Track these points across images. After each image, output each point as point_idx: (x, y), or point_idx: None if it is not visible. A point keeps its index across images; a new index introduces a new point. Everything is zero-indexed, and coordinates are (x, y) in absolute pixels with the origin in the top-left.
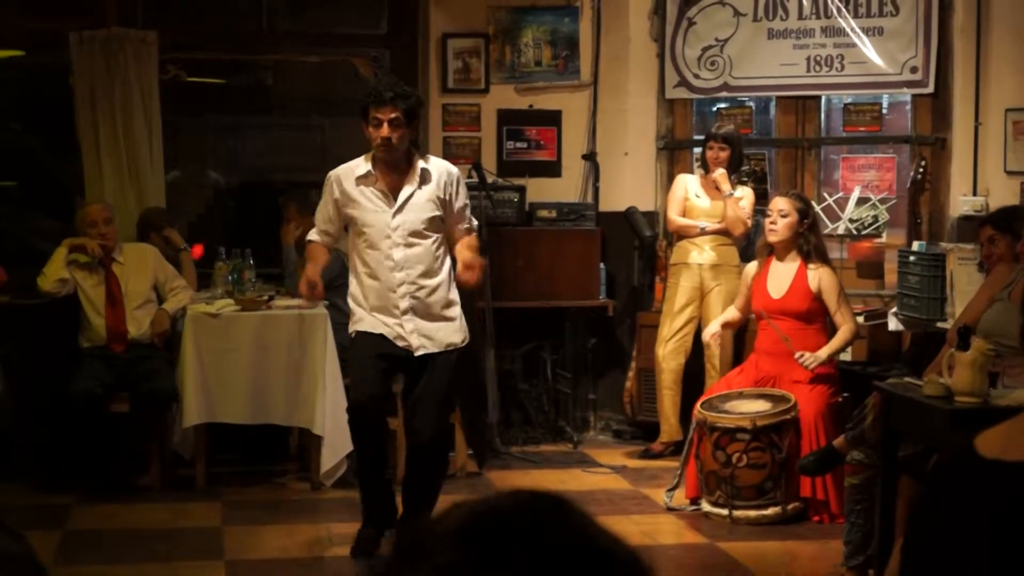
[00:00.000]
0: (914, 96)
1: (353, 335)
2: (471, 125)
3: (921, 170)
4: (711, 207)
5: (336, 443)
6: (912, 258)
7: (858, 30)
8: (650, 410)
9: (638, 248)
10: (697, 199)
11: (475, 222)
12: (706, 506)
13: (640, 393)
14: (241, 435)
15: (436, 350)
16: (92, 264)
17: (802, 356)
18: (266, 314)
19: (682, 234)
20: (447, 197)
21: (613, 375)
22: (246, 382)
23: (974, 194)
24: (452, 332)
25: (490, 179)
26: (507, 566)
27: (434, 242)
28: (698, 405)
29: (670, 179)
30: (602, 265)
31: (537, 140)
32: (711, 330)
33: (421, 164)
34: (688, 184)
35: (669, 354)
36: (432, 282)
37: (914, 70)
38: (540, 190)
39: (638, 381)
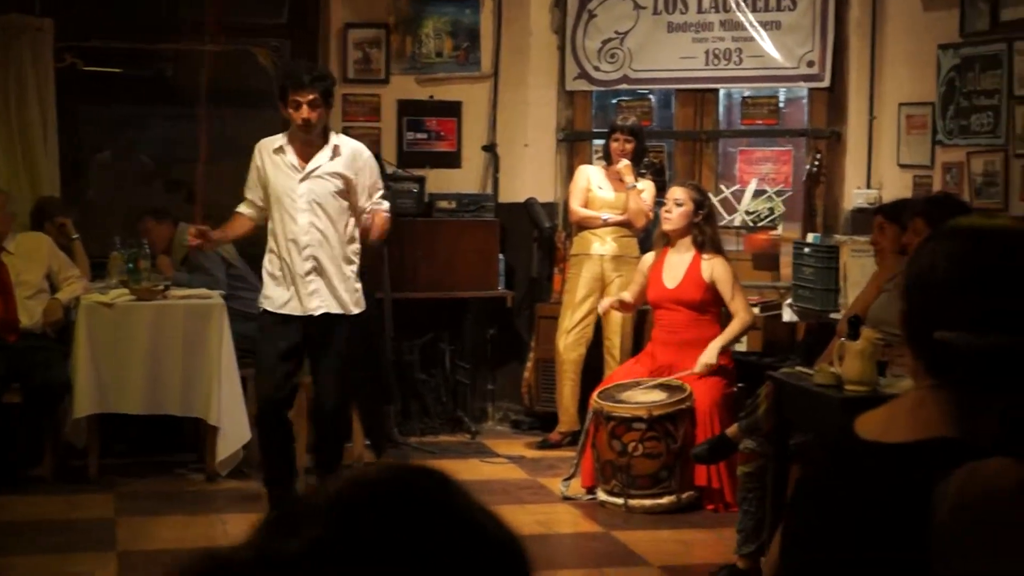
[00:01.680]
0: (810, 90)
1: (260, 313)
2: (371, 115)
3: (816, 163)
4: (614, 199)
5: (231, 433)
6: (807, 250)
7: (756, 24)
8: (548, 400)
9: (537, 239)
10: (600, 190)
11: (386, 204)
12: (602, 495)
13: (538, 384)
14: (135, 426)
15: (335, 311)
16: None
17: (701, 370)
18: (162, 304)
19: (584, 225)
20: (354, 174)
21: (511, 366)
22: (141, 372)
23: (868, 187)
24: (350, 298)
25: (390, 170)
26: (375, 540)
27: (339, 211)
28: (595, 395)
29: (569, 171)
30: (501, 256)
31: (437, 131)
32: (606, 302)
33: (334, 140)
34: (591, 175)
35: (570, 345)
36: (335, 248)
37: (811, 64)
38: (440, 181)
39: (536, 372)
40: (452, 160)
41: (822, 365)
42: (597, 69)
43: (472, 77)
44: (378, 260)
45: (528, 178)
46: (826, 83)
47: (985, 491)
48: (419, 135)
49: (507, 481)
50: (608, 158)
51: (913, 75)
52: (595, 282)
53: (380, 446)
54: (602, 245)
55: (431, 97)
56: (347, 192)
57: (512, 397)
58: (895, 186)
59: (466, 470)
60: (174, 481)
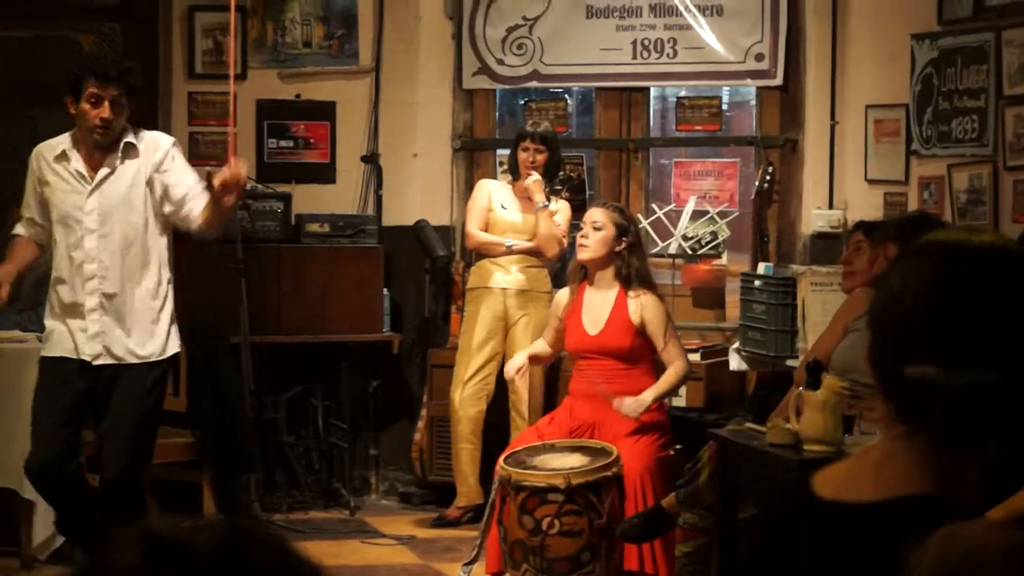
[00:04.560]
0: (760, 89)
1: (39, 361)
2: (224, 118)
3: (768, 178)
4: (521, 221)
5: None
6: (757, 283)
7: (693, 9)
8: (444, 468)
9: (429, 271)
10: (504, 211)
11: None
12: None
13: (432, 447)
14: None
15: (127, 360)
16: None
17: (621, 402)
18: None
19: (484, 252)
20: (160, 173)
21: (400, 426)
22: None
23: (830, 207)
24: (152, 343)
25: (248, 185)
26: None
27: (139, 229)
28: (501, 460)
29: (468, 186)
30: (386, 291)
31: (306, 138)
32: (515, 363)
33: (127, 139)
34: (493, 192)
35: (467, 399)
36: (132, 278)
37: (759, 58)
38: (309, 199)
39: (430, 433)
40: (324, 174)
41: (776, 421)
42: (501, 63)
43: (348, 72)
44: (234, 296)
45: (418, 196)
46: (778, 81)
47: (968, 558)
48: (283, 143)
49: (396, 567)
50: (515, 171)
51: (882, 71)
52: (497, 321)
53: None
54: (505, 276)
55: (298, 96)
56: (152, 201)
57: (400, 464)
58: (862, 205)
59: (345, 553)
60: None
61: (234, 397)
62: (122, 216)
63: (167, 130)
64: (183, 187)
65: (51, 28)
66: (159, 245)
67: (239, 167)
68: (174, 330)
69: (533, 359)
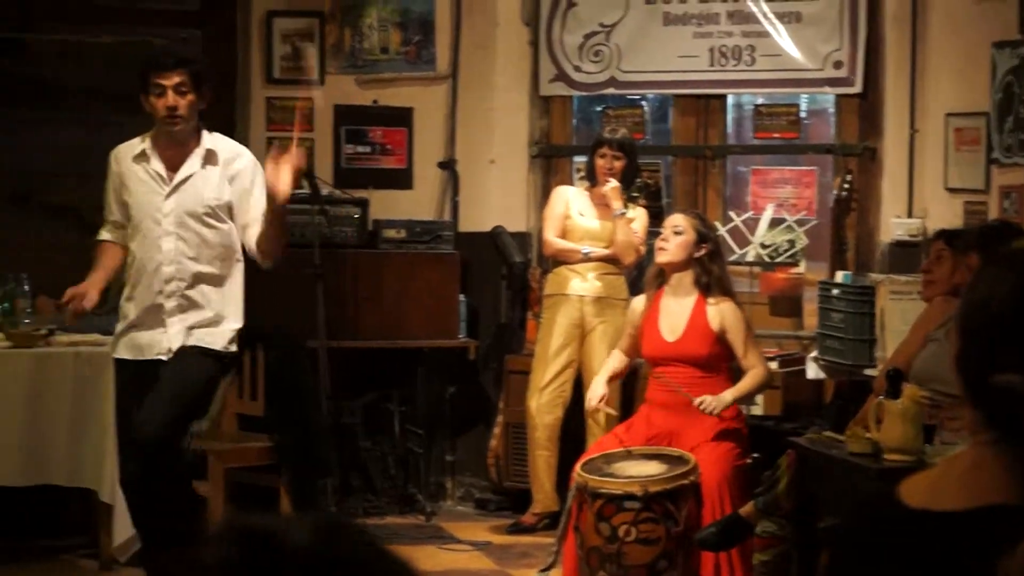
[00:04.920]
0: (838, 97)
1: (116, 364)
2: (301, 124)
3: (846, 186)
4: (598, 228)
5: None
6: (836, 292)
7: (771, 16)
8: (520, 474)
9: (506, 277)
10: (581, 218)
11: None
12: None
13: (508, 454)
14: (12, 501)
15: (195, 344)
16: None
17: (702, 401)
18: (43, 352)
19: (561, 259)
20: (236, 186)
21: (476, 432)
22: (17, 434)
23: (909, 215)
24: (221, 334)
25: (325, 190)
26: None
27: (216, 234)
28: (578, 467)
29: (545, 193)
30: (462, 297)
31: (383, 144)
32: (596, 392)
33: (208, 143)
34: (570, 199)
35: (544, 406)
36: (208, 281)
37: (838, 65)
38: (386, 205)
39: (506, 439)
40: (401, 180)
41: (855, 430)
42: (578, 70)
43: (425, 78)
44: (311, 300)
45: (495, 202)
46: (857, 88)
47: None
48: (361, 148)
49: (471, 573)
50: (592, 178)
51: (963, 79)
52: (573, 329)
53: None
54: (582, 283)
55: (375, 102)
56: (227, 208)
57: (476, 470)
58: (942, 213)
59: (421, 559)
60: (61, 570)
61: (311, 402)
62: (199, 218)
63: (245, 135)
64: (252, 207)
65: (131, 34)
66: (233, 249)
67: (299, 157)
68: (237, 330)
69: (612, 378)
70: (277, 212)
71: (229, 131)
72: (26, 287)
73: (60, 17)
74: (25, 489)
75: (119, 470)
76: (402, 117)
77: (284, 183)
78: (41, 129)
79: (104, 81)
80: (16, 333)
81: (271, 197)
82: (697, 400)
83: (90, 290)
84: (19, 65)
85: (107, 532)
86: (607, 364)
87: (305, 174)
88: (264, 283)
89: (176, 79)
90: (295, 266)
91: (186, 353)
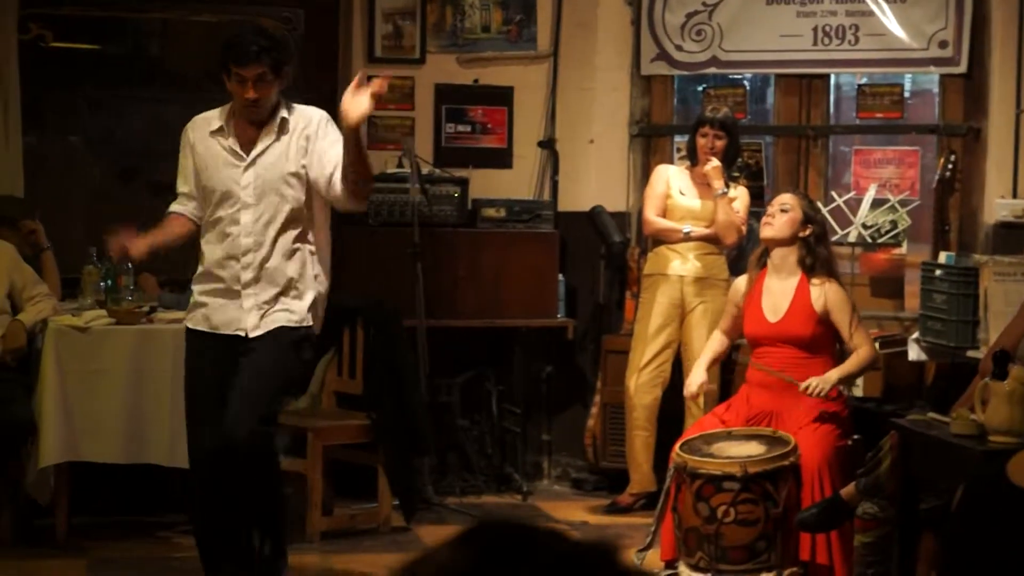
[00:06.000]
0: (943, 77)
1: (185, 334)
2: (403, 103)
3: (950, 167)
4: (699, 207)
5: None
6: (938, 273)
7: None
8: (617, 454)
9: (605, 257)
10: (682, 196)
11: None
12: (685, 570)
13: (605, 434)
14: (113, 477)
15: (278, 325)
16: None
17: (808, 385)
18: (146, 328)
19: (661, 239)
20: (307, 143)
21: (573, 411)
22: (119, 412)
23: (1014, 196)
24: (299, 309)
25: (425, 169)
26: None
27: (292, 206)
28: (677, 447)
29: (645, 172)
30: (561, 277)
31: (483, 123)
32: (696, 380)
33: (282, 114)
34: (671, 178)
35: (643, 386)
36: (285, 249)
37: (943, 45)
38: (486, 184)
39: (603, 419)
40: (501, 159)
41: (960, 411)
42: (680, 49)
43: (526, 57)
44: (410, 279)
45: (594, 182)
46: (962, 68)
47: None
48: (461, 127)
49: None
50: (693, 157)
51: None
52: (673, 309)
53: (411, 507)
54: (683, 264)
55: (476, 81)
56: (303, 178)
57: (573, 450)
58: None
59: None
60: (158, 546)
61: (409, 380)
62: (277, 191)
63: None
64: (329, 157)
65: (234, 13)
66: (316, 220)
67: (379, 85)
68: (320, 303)
69: (712, 364)
70: (348, 136)
71: (331, 109)
72: (129, 264)
73: None
74: (126, 465)
75: (189, 451)
76: (502, 96)
77: (359, 105)
78: (146, 107)
79: (207, 60)
80: (118, 310)
81: (343, 120)
82: (803, 385)
83: (141, 241)
84: (124, 44)
85: None
86: (707, 348)
87: (405, 152)
88: (364, 261)
89: (258, 70)
90: (395, 245)
91: (267, 339)
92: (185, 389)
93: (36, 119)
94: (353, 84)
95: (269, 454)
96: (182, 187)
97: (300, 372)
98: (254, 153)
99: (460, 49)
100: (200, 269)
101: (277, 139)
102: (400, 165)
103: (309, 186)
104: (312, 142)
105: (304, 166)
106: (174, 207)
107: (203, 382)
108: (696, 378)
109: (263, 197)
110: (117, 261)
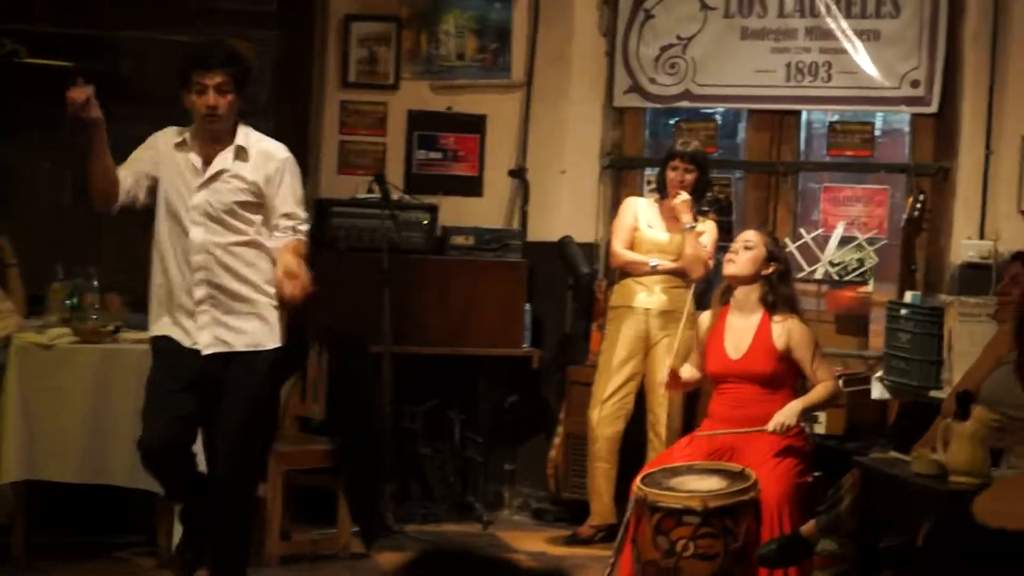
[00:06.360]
0: (914, 116)
1: (150, 342)
2: (375, 128)
3: (918, 206)
4: (667, 240)
5: None
6: (904, 312)
7: (850, 33)
8: (579, 486)
9: (572, 287)
10: (650, 230)
11: (304, 226)
12: None
13: (567, 465)
14: (72, 497)
15: (235, 349)
16: None
17: (774, 427)
18: (111, 348)
19: (628, 271)
20: (264, 182)
21: (535, 442)
22: (81, 431)
23: (981, 237)
24: (261, 333)
25: (395, 195)
26: None
27: (246, 227)
28: (638, 480)
29: (614, 204)
30: (528, 306)
31: (455, 150)
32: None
33: (240, 140)
34: (639, 210)
35: (605, 418)
36: (238, 271)
37: (915, 84)
38: (456, 212)
39: (565, 450)
40: (472, 187)
41: (922, 451)
42: (653, 82)
43: (500, 86)
44: (377, 305)
45: (564, 212)
46: (933, 108)
47: None
48: (432, 154)
49: None
50: (663, 190)
51: None
52: (638, 341)
53: (371, 533)
54: (648, 296)
55: (449, 108)
56: (257, 205)
57: (534, 480)
58: (1014, 237)
59: None
60: (117, 568)
61: (374, 406)
62: (229, 212)
63: (318, 138)
64: (279, 206)
65: (209, 34)
66: (261, 242)
67: (290, 282)
68: (275, 326)
69: (685, 385)
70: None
71: (303, 133)
72: (95, 283)
73: (141, 16)
74: (86, 485)
75: (139, 440)
76: (475, 124)
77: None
78: (116, 125)
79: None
80: (83, 328)
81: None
82: (771, 427)
83: (95, 111)
84: (98, 62)
85: (166, 531)
86: (684, 367)
87: (376, 178)
88: (331, 285)
89: (218, 79)
90: (363, 270)
91: (238, 367)
92: (146, 385)
93: (5, 135)
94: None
95: (248, 494)
96: (125, 166)
97: (271, 393)
98: (211, 171)
99: (434, 76)
100: (153, 283)
101: (233, 162)
102: (370, 191)
103: (260, 213)
104: (270, 185)
105: (257, 197)
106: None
107: (164, 380)
108: (668, 372)
109: (213, 216)
110: (70, 109)
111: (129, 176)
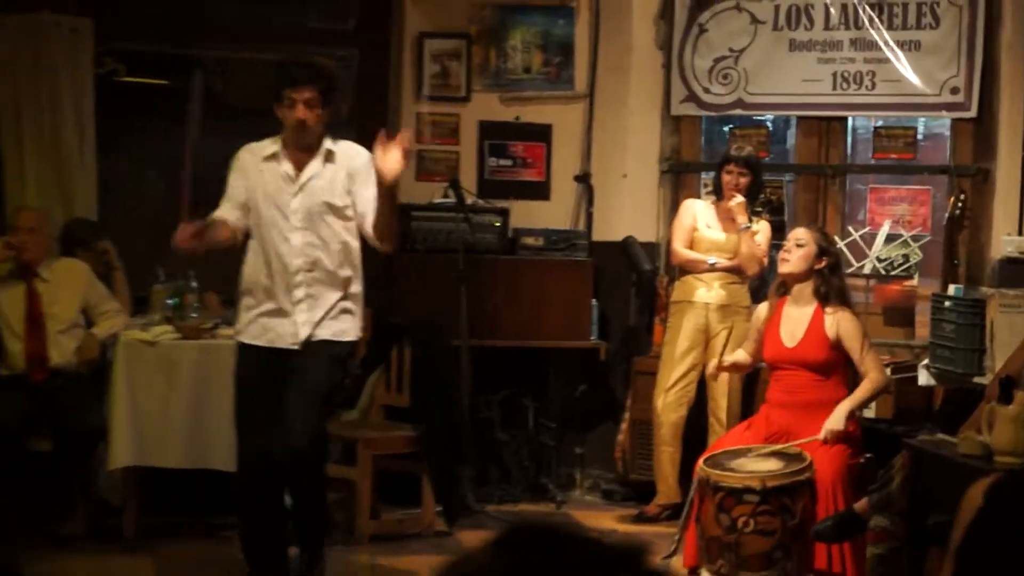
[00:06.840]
0: (954, 121)
1: (236, 349)
2: (449, 138)
3: (960, 205)
4: (724, 240)
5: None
6: (947, 304)
7: (892, 44)
8: (645, 468)
9: (635, 284)
10: (708, 230)
11: None
12: None
13: (634, 448)
14: (180, 481)
15: (321, 337)
16: (4, 277)
17: (825, 437)
18: (209, 343)
19: (688, 269)
20: (350, 181)
21: (604, 427)
22: (185, 420)
23: (1019, 233)
24: (345, 325)
25: (469, 200)
26: None
27: (338, 229)
28: (701, 462)
29: (673, 206)
30: (594, 302)
31: (523, 157)
32: (715, 364)
33: (328, 145)
34: (698, 212)
35: (669, 405)
36: (332, 271)
37: (955, 91)
38: (526, 214)
39: (632, 435)
40: (540, 191)
41: (968, 433)
42: (707, 91)
43: (564, 97)
44: (455, 302)
45: (626, 214)
46: (972, 113)
47: None
48: (503, 161)
49: None
50: (719, 193)
51: None
52: (698, 334)
53: (453, 513)
54: (708, 292)
55: (517, 118)
56: (346, 207)
57: (603, 463)
58: None
59: None
60: (220, 546)
61: (453, 396)
62: (323, 215)
63: None
64: (367, 200)
65: (293, 52)
66: (354, 243)
67: (406, 139)
68: (357, 321)
69: (733, 368)
70: (384, 193)
71: None
72: (194, 284)
73: (227, 35)
74: (189, 470)
75: (238, 461)
76: (542, 133)
77: (393, 163)
78: (208, 142)
79: (267, 96)
80: (184, 326)
81: (379, 178)
82: (822, 436)
83: (196, 242)
84: (188, 80)
85: None
86: (734, 353)
87: (452, 184)
88: (413, 284)
89: (307, 94)
90: (441, 270)
91: (317, 354)
92: (235, 400)
93: (109, 148)
94: (381, 141)
95: (320, 466)
96: (228, 200)
97: (345, 383)
98: (304, 178)
99: (503, 88)
100: (246, 286)
101: (324, 167)
102: (446, 196)
103: (349, 213)
104: (354, 181)
105: (348, 199)
106: (219, 213)
107: (253, 394)
108: (715, 363)
109: (311, 220)
110: (174, 250)
111: (235, 210)
